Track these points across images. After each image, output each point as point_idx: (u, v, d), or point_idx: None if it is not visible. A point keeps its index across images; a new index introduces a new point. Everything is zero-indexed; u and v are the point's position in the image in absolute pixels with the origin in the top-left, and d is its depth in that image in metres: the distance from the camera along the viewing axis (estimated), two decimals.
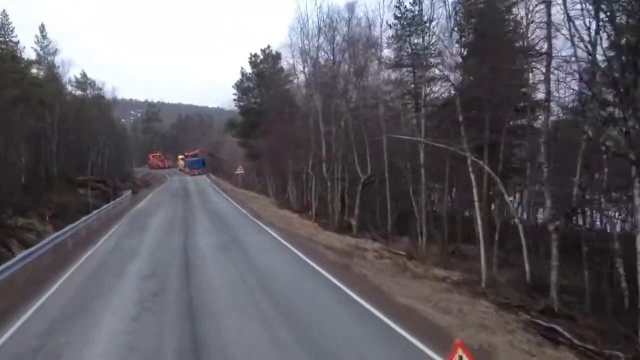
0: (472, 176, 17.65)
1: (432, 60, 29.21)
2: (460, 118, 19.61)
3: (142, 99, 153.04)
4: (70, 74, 67.95)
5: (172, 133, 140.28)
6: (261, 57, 53.85)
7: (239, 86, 54.81)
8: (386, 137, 27.45)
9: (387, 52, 34.75)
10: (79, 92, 67.91)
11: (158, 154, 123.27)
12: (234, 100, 55.46)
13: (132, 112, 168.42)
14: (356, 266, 16.68)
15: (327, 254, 18.84)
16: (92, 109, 65.86)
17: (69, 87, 65.29)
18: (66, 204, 40.72)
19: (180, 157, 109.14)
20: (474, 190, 18.09)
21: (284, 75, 51.38)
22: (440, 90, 30.18)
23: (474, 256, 22.94)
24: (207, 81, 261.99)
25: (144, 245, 19.21)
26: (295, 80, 45.40)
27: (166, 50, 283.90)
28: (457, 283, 17.35)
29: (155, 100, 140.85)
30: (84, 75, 67.33)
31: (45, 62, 56.44)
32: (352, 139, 32.64)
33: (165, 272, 14.51)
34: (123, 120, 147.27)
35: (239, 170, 52.38)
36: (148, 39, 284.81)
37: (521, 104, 22.89)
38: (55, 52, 55.91)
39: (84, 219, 23.63)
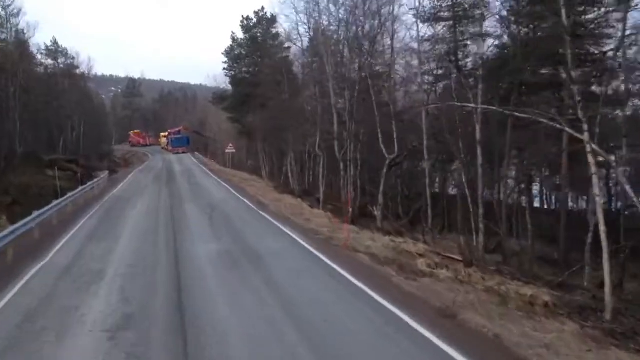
0: (592, 160, 12.08)
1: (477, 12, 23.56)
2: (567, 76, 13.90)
3: (122, 74, 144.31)
4: (40, 42, 60.51)
5: (154, 109, 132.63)
6: (254, 20, 47.20)
7: (229, 54, 48.05)
8: (429, 106, 21.64)
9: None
10: (49, 62, 60.90)
11: (139, 131, 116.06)
12: (224, 69, 48.78)
13: (112, 88, 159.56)
14: (427, 291, 11.18)
15: (377, 269, 13.28)
16: (64, 81, 58.95)
17: (39, 57, 58.26)
18: (29, 187, 34.68)
19: (162, 134, 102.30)
20: (594, 180, 12.51)
21: (279, 42, 45.13)
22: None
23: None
24: (191, 57, 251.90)
25: (114, 260, 13.30)
26: (295, 46, 39.24)
27: (147, 22, 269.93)
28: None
29: (137, 77, 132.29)
30: (54, 42, 60.20)
31: (8, 24, 49.34)
32: (375, 111, 26.91)
33: (144, 322, 8.70)
34: (103, 96, 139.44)
35: (230, 149, 46.33)
36: (128, 11, 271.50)
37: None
38: (19, 14, 48.74)
39: (37, 213, 17.63)
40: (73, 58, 60.16)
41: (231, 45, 47.56)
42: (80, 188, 27.62)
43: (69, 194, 24.00)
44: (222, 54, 47.31)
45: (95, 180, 34.25)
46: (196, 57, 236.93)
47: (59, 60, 57.48)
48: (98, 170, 44.17)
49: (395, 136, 25.84)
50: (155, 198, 27.65)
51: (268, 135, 40.59)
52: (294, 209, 25.90)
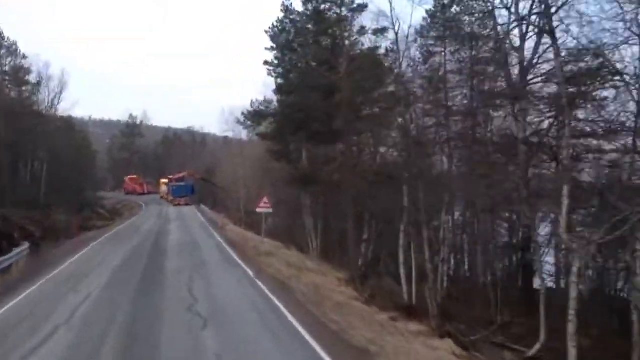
0: None
1: None
2: None
3: (118, 118, 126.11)
4: None
5: (156, 153, 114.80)
6: None
7: (276, 37, 27.62)
8: None
9: None
10: None
11: (136, 175, 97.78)
12: (265, 63, 27.96)
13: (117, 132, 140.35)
14: None
15: None
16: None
17: None
18: None
19: (162, 180, 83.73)
20: None
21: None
22: None
23: None
24: (200, 102, 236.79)
25: None
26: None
27: (150, 57, 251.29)
28: None
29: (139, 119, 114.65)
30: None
31: None
32: None
33: None
34: (107, 141, 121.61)
35: (264, 207, 27.35)
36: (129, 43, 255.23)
37: None
38: None
39: None
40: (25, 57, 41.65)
41: (281, 20, 27.13)
42: None
43: None
44: (265, 31, 27.33)
45: None
46: (207, 101, 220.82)
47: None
48: (33, 236, 25.54)
49: None
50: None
51: (343, 189, 22.15)
52: None
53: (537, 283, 20.53)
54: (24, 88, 39.72)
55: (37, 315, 11.32)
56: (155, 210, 61.81)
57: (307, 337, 9.83)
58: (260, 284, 15.52)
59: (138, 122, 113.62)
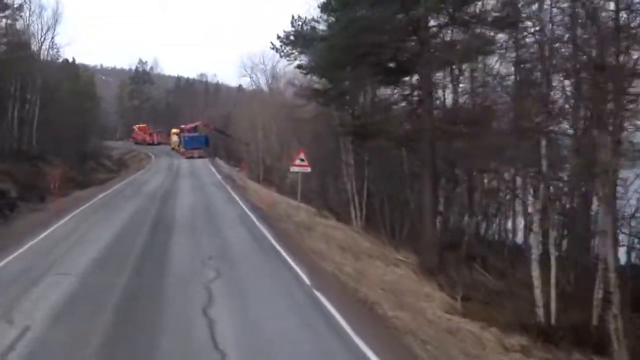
0: None
1: None
2: None
3: (126, 66, 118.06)
4: None
5: (167, 101, 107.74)
6: None
7: None
8: None
9: None
10: None
11: (145, 125, 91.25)
12: None
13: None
14: None
15: None
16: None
17: None
18: None
19: (173, 130, 77.19)
20: None
21: None
22: None
23: None
24: (213, 50, 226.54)
25: None
26: None
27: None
28: None
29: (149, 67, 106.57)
30: None
31: None
32: None
33: None
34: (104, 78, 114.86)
35: (299, 165, 20.76)
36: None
37: None
38: None
39: None
40: None
41: None
42: None
43: None
44: None
45: None
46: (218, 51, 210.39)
47: None
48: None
49: None
50: None
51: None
52: None
53: None
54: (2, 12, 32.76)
55: None
56: (165, 162, 55.64)
57: None
58: (327, 305, 9.11)
59: (148, 68, 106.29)
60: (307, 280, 10.67)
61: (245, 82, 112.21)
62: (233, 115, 72.95)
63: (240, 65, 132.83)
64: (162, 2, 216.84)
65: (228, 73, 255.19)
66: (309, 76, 25.04)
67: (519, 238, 24.56)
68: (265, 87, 70.66)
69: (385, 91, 21.05)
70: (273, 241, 15.11)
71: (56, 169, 30.32)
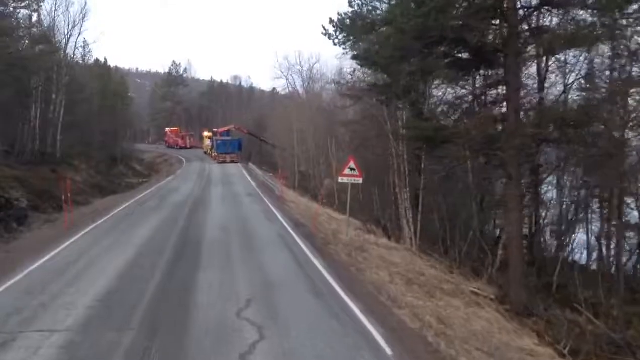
0: None
1: None
2: None
3: (162, 70, 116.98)
4: None
5: (201, 104, 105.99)
6: None
7: None
8: None
9: None
10: None
11: (177, 127, 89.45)
12: None
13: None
14: None
15: None
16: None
17: None
18: None
19: (206, 134, 74.81)
20: None
21: None
22: None
23: None
24: (247, 51, 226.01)
25: None
26: None
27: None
28: None
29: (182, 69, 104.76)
30: None
31: None
32: None
33: None
34: (148, 88, 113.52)
35: (349, 174, 17.57)
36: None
37: None
38: None
39: None
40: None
41: None
42: None
43: None
44: None
45: None
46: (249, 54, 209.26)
47: None
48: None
49: None
50: None
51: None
52: None
53: None
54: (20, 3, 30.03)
55: None
56: (197, 168, 53.15)
57: None
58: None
59: (181, 71, 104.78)
60: (387, 349, 7.43)
61: (280, 85, 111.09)
62: (267, 119, 70.55)
63: (275, 67, 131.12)
64: (196, 5, 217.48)
65: (262, 76, 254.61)
66: (360, 72, 21.74)
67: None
68: (301, 90, 67.98)
69: (454, 88, 17.72)
70: (325, 273, 11.93)
71: (78, 173, 27.82)
